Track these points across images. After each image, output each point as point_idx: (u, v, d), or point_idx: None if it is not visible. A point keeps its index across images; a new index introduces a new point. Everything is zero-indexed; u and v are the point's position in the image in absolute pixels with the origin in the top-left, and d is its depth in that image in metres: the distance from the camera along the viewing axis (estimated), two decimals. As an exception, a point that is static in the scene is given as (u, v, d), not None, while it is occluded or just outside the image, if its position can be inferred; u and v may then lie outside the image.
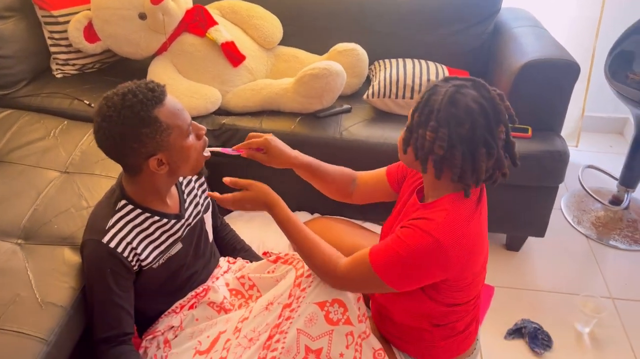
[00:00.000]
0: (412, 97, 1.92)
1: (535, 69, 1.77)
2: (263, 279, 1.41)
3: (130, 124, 1.10)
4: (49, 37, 2.08)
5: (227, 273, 1.50)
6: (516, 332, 1.77)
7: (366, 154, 1.83)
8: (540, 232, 2.00)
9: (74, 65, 2.12)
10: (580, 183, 2.39)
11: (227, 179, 1.29)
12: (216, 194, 1.28)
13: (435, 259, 1.10)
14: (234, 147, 1.36)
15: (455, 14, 2.16)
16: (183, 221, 1.33)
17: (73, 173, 1.61)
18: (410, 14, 2.16)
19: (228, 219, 1.90)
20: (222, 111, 1.96)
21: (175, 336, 1.34)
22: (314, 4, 2.20)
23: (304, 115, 1.92)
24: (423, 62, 2.04)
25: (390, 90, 1.92)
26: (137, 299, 1.28)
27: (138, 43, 1.96)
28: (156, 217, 1.26)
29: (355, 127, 1.89)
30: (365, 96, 1.96)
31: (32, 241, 1.38)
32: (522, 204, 1.91)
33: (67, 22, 2.01)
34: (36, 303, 1.21)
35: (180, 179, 1.39)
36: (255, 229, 1.86)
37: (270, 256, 1.45)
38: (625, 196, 2.28)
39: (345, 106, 1.98)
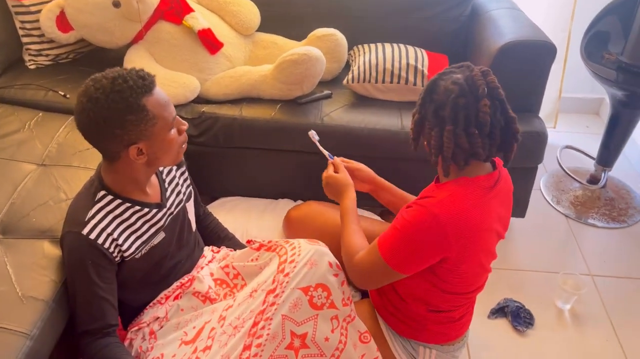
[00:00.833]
0: (391, 82, 1.92)
1: (512, 51, 1.79)
2: (247, 268, 1.41)
3: (116, 108, 1.09)
4: (20, 28, 2.02)
5: (211, 262, 1.49)
6: (499, 311, 1.80)
7: (347, 139, 1.83)
8: (520, 212, 2.02)
9: (47, 55, 2.07)
10: (559, 163, 2.42)
11: (336, 159, 1.50)
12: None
13: (432, 234, 1.12)
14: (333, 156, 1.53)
15: (432, -3, 2.16)
16: (165, 210, 1.32)
17: (50, 165, 1.58)
18: (389, -2, 2.16)
19: (211, 208, 1.89)
20: (201, 99, 1.94)
21: (161, 327, 1.34)
22: (291, -11, 2.18)
23: (285, 101, 1.91)
24: (402, 46, 2.03)
25: (370, 74, 1.92)
26: (121, 291, 1.27)
27: (113, 32, 1.93)
28: (137, 207, 1.24)
29: (336, 113, 1.88)
30: (345, 81, 1.95)
31: (10, 236, 1.36)
32: (502, 185, 1.93)
33: (39, 11, 1.96)
34: (17, 297, 1.19)
35: (161, 167, 1.37)
36: (238, 217, 1.85)
37: (253, 243, 1.44)
38: (602, 174, 2.32)
39: (326, 92, 1.97)
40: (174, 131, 1.21)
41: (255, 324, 1.19)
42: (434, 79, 1.17)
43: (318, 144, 1.54)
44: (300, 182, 1.98)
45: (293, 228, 1.71)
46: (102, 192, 1.21)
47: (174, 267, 1.40)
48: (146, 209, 1.26)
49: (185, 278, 1.40)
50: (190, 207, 1.46)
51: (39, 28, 1.98)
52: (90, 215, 1.19)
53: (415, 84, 1.92)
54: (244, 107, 1.89)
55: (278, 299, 1.20)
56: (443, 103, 1.13)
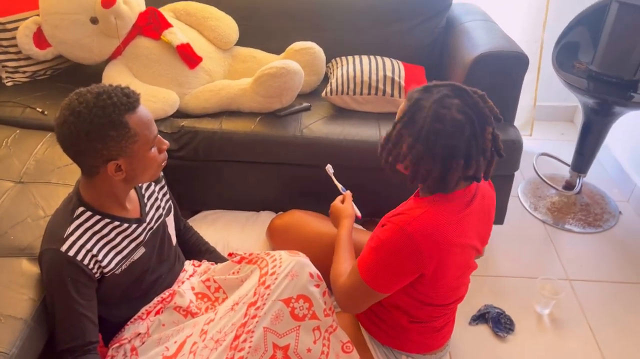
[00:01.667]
0: (369, 93, 1.95)
1: (486, 62, 1.83)
2: (228, 281, 1.41)
3: (99, 123, 1.09)
4: (-4, 45, 2.02)
5: (192, 276, 1.49)
6: (480, 318, 1.83)
7: (327, 150, 1.85)
8: (499, 219, 2.06)
9: (24, 72, 2.06)
10: (535, 170, 2.47)
11: (348, 192, 1.52)
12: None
13: (407, 253, 1.13)
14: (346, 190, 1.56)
15: (408, 10, 2.20)
16: (144, 225, 1.32)
17: (28, 183, 1.57)
18: (365, 11, 2.19)
19: (192, 221, 1.89)
20: (180, 114, 1.94)
21: (143, 343, 1.33)
22: (269, 3, 2.21)
23: (264, 114, 1.93)
24: (379, 58, 2.07)
25: (348, 87, 1.94)
26: (102, 307, 1.27)
27: (91, 48, 1.93)
28: (116, 223, 1.24)
29: (315, 125, 1.90)
30: (323, 94, 1.98)
31: (-13, 254, 1.34)
32: (480, 193, 1.97)
33: (16, 28, 1.95)
34: (-5, 316, 1.18)
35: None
36: (219, 230, 1.85)
37: (235, 256, 1.45)
38: (577, 180, 2.37)
39: (305, 104, 1.99)
40: (154, 149, 1.21)
41: (237, 337, 1.20)
42: (429, 105, 1.10)
43: (333, 177, 1.59)
44: (281, 194, 1.99)
45: (277, 237, 1.72)
46: (81, 209, 1.21)
47: (155, 282, 1.39)
48: (125, 225, 1.26)
49: (166, 293, 1.40)
50: (170, 221, 1.46)
51: (15, 45, 1.97)
52: (69, 232, 1.18)
53: (392, 95, 1.95)
54: (223, 120, 1.90)
55: (259, 311, 1.21)
56: (451, 134, 1.08)
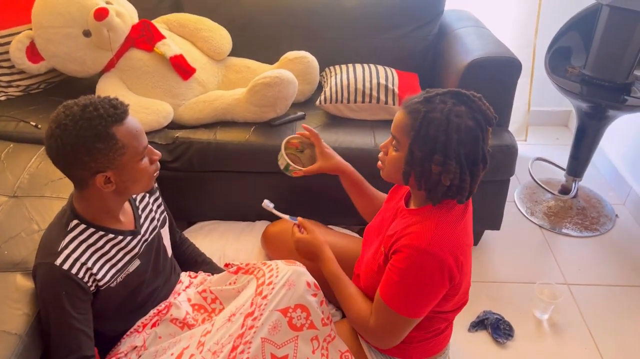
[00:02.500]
0: (363, 101, 1.95)
1: (479, 67, 1.83)
2: (225, 291, 1.40)
3: (85, 136, 1.09)
4: (-11, 59, 2.01)
5: (188, 287, 1.48)
6: (479, 324, 1.82)
7: (322, 159, 1.84)
8: (495, 225, 2.05)
9: (17, 86, 2.06)
10: (531, 175, 2.47)
11: (300, 219, 1.44)
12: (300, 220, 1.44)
13: (434, 270, 1.12)
14: (290, 216, 1.50)
15: (400, 18, 2.21)
16: (139, 237, 1.31)
17: (22, 197, 1.56)
18: (357, 20, 2.20)
19: (187, 233, 1.88)
20: (174, 125, 1.94)
21: (139, 356, 1.32)
22: (262, 13, 2.21)
23: (258, 124, 1.93)
24: (372, 66, 2.07)
25: (342, 95, 1.95)
26: (98, 320, 1.25)
27: (84, 61, 1.93)
28: (110, 235, 1.23)
29: (309, 134, 1.90)
30: (317, 102, 1.98)
31: (-19, 270, 1.33)
32: (476, 198, 1.94)
33: (8, 43, 1.95)
34: (-12, 332, 1.17)
35: (134, 195, 1.36)
36: (215, 241, 1.84)
37: (231, 267, 1.44)
38: (573, 185, 2.37)
39: (299, 113, 1.99)
40: (145, 161, 1.20)
41: (234, 348, 1.18)
42: (441, 117, 1.09)
43: (275, 211, 1.49)
44: (276, 203, 1.98)
45: (272, 244, 1.71)
46: (75, 222, 1.20)
47: (151, 295, 1.38)
48: (120, 237, 1.25)
49: (162, 305, 1.38)
50: (165, 233, 1.45)
51: (8, 59, 1.97)
52: (63, 245, 1.17)
53: (386, 102, 1.95)
54: (218, 131, 1.90)
55: (257, 322, 1.20)
56: (468, 142, 1.09)
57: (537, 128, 3.00)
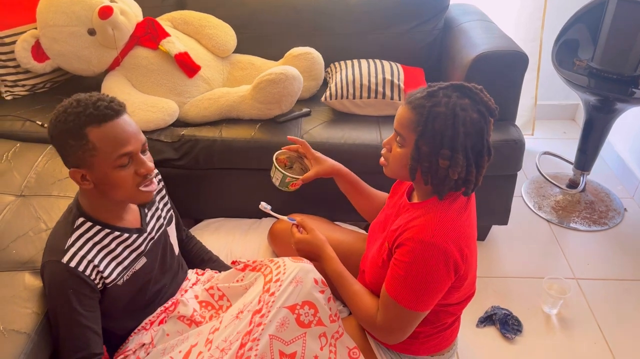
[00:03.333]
0: (369, 97, 1.94)
1: (485, 62, 1.82)
2: (232, 289, 1.40)
3: (60, 129, 1.12)
4: (-5, 59, 2.02)
5: (195, 284, 1.48)
6: (487, 319, 1.81)
7: (327, 155, 1.82)
8: (503, 220, 2.04)
9: (23, 86, 2.07)
10: (538, 170, 2.46)
11: (297, 219, 1.41)
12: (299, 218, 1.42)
13: (439, 262, 1.11)
14: (288, 216, 1.47)
15: (406, 13, 2.19)
16: (145, 235, 1.31)
17: (29, 196, 1.57)
18: (363, 15, 2.19)
19: (194, 231, 1.88)
20: (180, 123, 1.94)
21: (147, 354, 1.32)
22: (266, 11, 2.20)
23: (264, 121, 1.92)
24: (378, 61, 2.06)
25: (347, 91, 1.94)
26: (106, 319, 1.25)
27: (89, 59, 1.93)
28: (117, 233, 1.23)
29: (315, 130, 1.89)
30: (323, 98, 1.97)
31: (-11, 269, 1.34)
32: (483, 193, 1.94)
33: (14, 42, 1.96)
34: (-2, 331, 1.17)
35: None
36: (222, 238, 1.84)
37: (238, 264, 1.44)
38: (581, 179, 2.35)
39: (305, 110, 1.99)
40: (125, 171, 1.15)
41: (242, 345, 1.18)
42: (446, 112, 1.09)
43: (272, 212, 1.45)
44: (282, 200, 1.98)
45: (279, 241, 1.71)
46: (81, 219, 1.20)
47: (159, 292, 1.38)
48: (126, 235, 1.25)
49: (169, 302, 1.39)
50: (172, 231, 1.45)
51: (14, 59, 1.97)
52: (70, 243, 1.17)
53: (392, 98, 1.94)
54: (223, 128, 1.90)
55: (264, 319, 1.19)
56: (474, 134, 1.10)
57: (544, 122, 2.98)
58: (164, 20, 2.10)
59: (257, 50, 2.22)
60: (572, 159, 2.39)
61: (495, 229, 2.18)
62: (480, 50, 1.84)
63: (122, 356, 1.33)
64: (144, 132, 1.46)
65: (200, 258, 1.62)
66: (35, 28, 1.94)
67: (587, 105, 2.17)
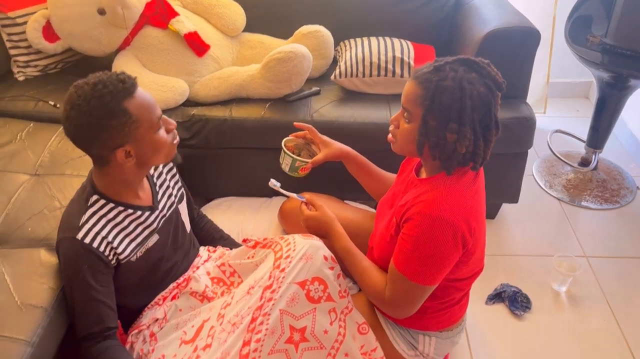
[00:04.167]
0: (378, 75, 1.93)
1: (496, 38, 1.80)
2: (243, 265, 1.42)
3: (98, 114, 1.10)
4: (7, 40, 2.03)
5: (207, 261, 1.50)
6: (496, 297, 1.82)
7: (337, 134, 1.82)
8: (513, 198, 2.04)
9: (35, 66, 2.08)
10: (550, 148, 2.44)
11: (307, 196, 1.42)
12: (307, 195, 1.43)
13: (447, 236, 1.12)
14: (299, 194, 1.47)
15: (416, -11, 2.17)
16: (157, 212, 1.33)
17: (43, 175, 1.59)
18: (372, -8, 2.17)
19: (205, 210, 1.90)
20: (190, 102, 1.95)
21: (161, 329, 1.35)
22: (275, -12, 2.19)
23: (274, 100, 1.92)
24: (388, 39, 2.05)
25: (357, 69, 1.93)
26: (120, 294, 1.28)
27: (99, 39, 1.93)
28: (129, 211, 1.26)
29: (325, 109, 1.89)
30: (332, 77, 1.97)
31: (7, 246, 1.36)
32: (493, 171, 1.93)
33: (25, 23, 1.97)
34: (16, 306, 1.20)
35: (151, 171, 1.38)
36: (233, 216, 1.86)
37: (249, 242, 1.46)
38: (593, 157, 2.33)
39: (314, 88, 1.98)
40: (162, 131, 1.21)
41: (253, 320, 1.20)
42: (454, 85, 1.09)
43: (282, 190, 1.46)
44: (292, 179, 1.99)
45: (289, 219, 1.73)
46: (95, 197, 1.22)
47: (171, 269, 1.41)
48: (139, 212, 1.27)
49: (181, 278, 1.41)
50: (183, 208, 1.47)
51: (26, 39, 1.99)
52: (84, 220, 1.20)
53: (402, 76, 1.93)
54: (233, 107, 1.90)
55: (275, 294, 1.21)
56: (481, 107, 1.10)
57: (556, 100, 2.95)
58: (172, 0, 2.09)
59: (266, 28, 2.21)
60: (585, 137, 2.36)
61: (506, 208, 2.18)
62: (492, 27, 1.81)
63: (136, 331, 1.36)
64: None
65: (211, 237, 1.64)
66: (46, 8, 1.94)
67: (600, 82, 2.15)
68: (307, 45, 1.94)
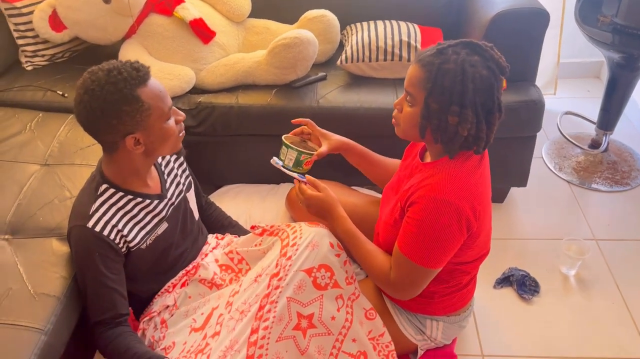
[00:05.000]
0: (385, 59, 1.91)
1: (504, 20, 1.77)
2: (251, 252, 1.43)
3: (112, 100, 1.12)
4: (14, 30, 2.04)
5: (215, 249, 1.52)
6: (504, 280, 1.82)
7: (344, 120, 1.84)
8: (521, 182, 2.03)
9: (43, 56, 2.09)
10: (559, 130, 2.41)
11: (309, 178, 1.38)
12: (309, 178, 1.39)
13: (451, 219, 1.13)
14: (305, 178, 1.42)
15: (423, -29, 2.14)
16: (166, 200, 1.34)
17: (53, 165, 1.61)
18: (378, -25, 2.14)
19: (213, 197, 1.92)
20: (197, 90, 1.95)
21: (171, 315, 1.37)
22: (280, -28, 2.17)
23: (280, 86, 1.92)
24: (394, 22, 2.02)
25: (363, 54, 1.92)
26: (131, 282, 1.31)
27: (105, 28, 1.94)
28: (139, 199, 1.27)
29: (331, 94, 1.89)
30: (339, 62, 1.95)
31: (19, 236, 1.39)
32: (501, 155, 1.93)
33: (31, 12, 1.97)
34: (29, 295, 1.23)
35: (159, 159, 1.40)
36: (241, 203, 1.88)
37: (257, 229, 1.47)
38: (604, 138, 2.31)
39: (320, 74, 1.97)
40: (171, 121, 1.23)
41: (261, 308, 1.22)
42: (456, 68, 1.08)
43: (284, 169, 1.43)
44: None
45: (296, 207, 1.73)
46: (104, 186, 1.24)
47: (180, 257, 1.43)
48: (148, 201, 1.29)
49: (190, 266, 1.43)
50: (191, 196, 1.49)
51: (32, 29, 1.99)
52: (94, 208, 1.22)
53: (409, 60, 1.91)
54: (239, 94, 1.90)
55: (282, 282, 1.23)
56: (484, 90, 1.10)
57: (567, 81, 2.91)
58: (178, -14, 2.08)
59: (272, 14, 2.19)
60: (595, 118, 2.33)
61: (514, 191, 2.17)
62: (500, 9, 1.79)
63: (147, 318, 1.39)
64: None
65: (220, 223, 1.65)
66: (52, -3, 1.95)
67: (611, 62, 2.11)
68: (313, 29, 1.93)
